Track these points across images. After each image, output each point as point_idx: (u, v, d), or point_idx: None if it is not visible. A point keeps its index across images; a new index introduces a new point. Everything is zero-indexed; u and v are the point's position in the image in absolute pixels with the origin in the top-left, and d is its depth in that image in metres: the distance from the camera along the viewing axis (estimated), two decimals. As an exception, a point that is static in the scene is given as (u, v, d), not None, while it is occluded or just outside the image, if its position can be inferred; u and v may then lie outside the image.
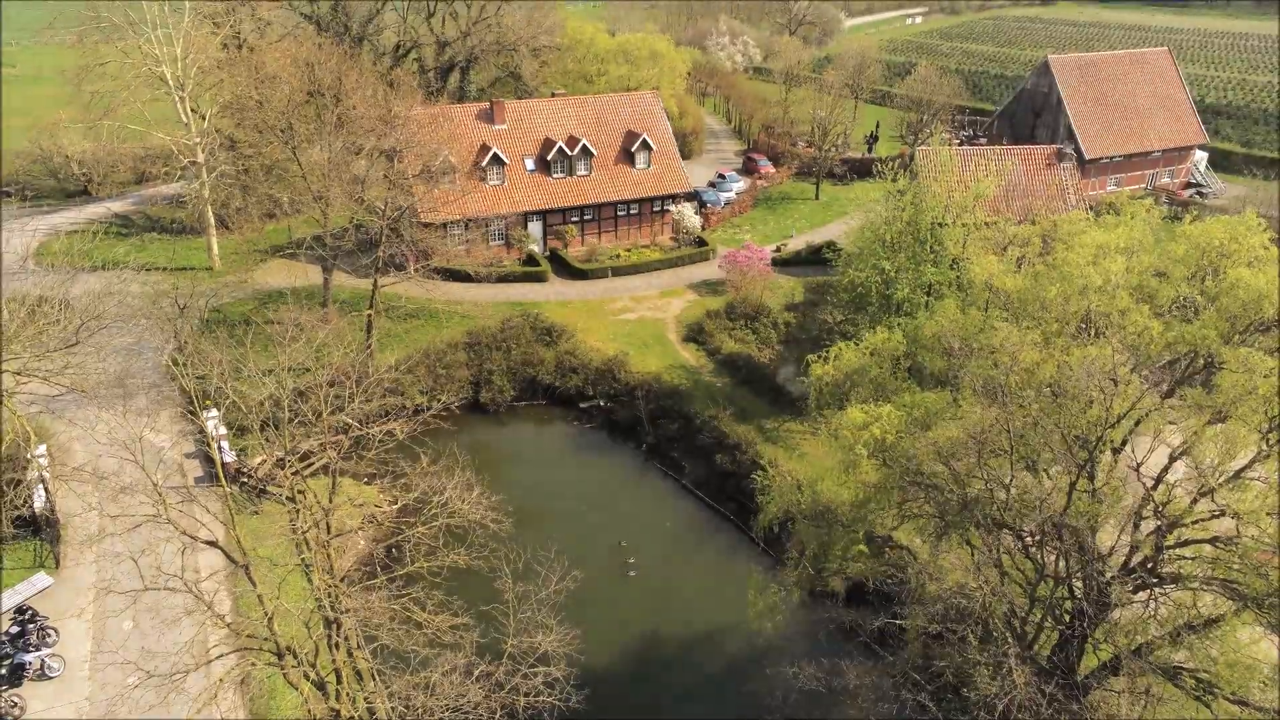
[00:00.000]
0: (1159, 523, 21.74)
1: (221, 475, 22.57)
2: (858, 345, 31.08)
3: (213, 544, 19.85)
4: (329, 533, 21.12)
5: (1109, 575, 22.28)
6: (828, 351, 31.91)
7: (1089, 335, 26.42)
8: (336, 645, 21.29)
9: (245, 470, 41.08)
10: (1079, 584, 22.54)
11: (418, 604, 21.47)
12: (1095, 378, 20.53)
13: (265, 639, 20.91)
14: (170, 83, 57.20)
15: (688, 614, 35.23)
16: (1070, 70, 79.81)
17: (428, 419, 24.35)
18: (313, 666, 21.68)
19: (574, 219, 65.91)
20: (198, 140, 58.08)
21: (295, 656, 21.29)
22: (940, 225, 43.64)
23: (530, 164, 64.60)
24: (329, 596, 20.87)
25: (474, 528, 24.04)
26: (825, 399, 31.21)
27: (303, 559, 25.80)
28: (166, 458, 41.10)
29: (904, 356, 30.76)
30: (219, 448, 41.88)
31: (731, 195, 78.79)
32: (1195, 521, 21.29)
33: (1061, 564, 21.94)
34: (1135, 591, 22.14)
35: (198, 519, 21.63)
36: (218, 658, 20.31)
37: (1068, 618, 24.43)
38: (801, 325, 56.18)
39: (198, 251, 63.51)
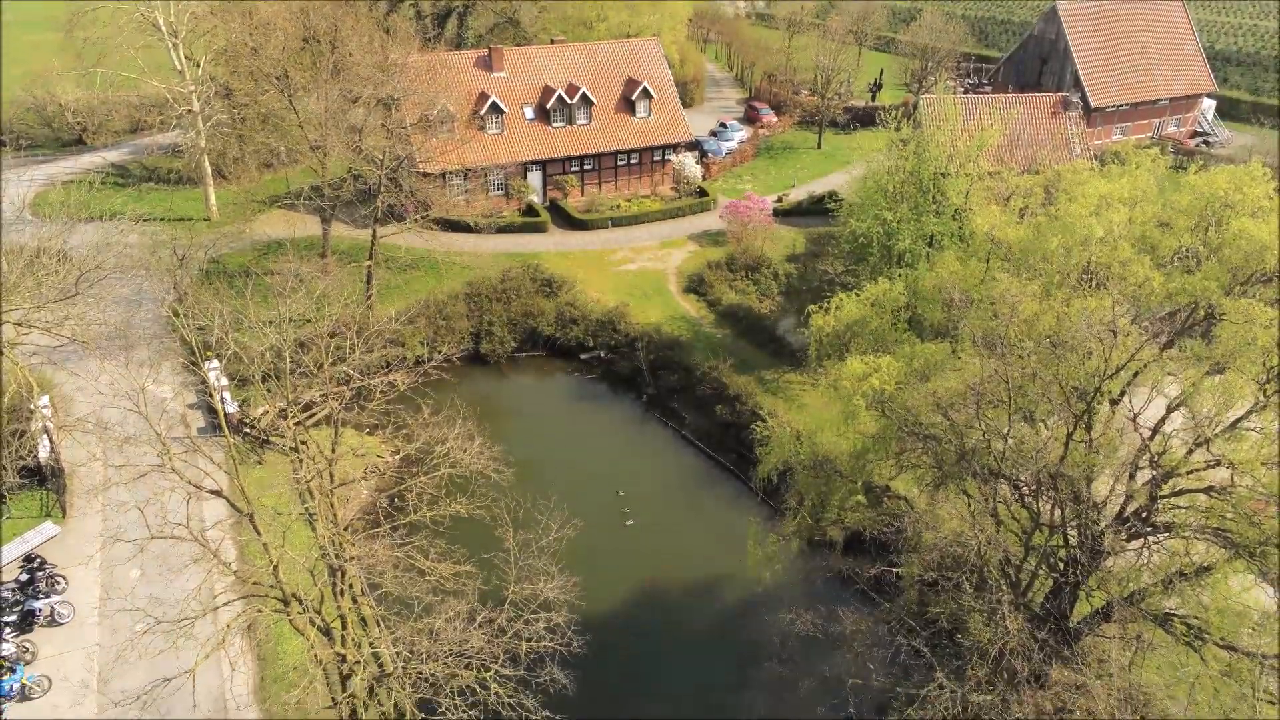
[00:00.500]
0: (1154, 472, 21.90)
1: (224, 425, 22.71)
2: (858, 296, 31.00)
3: (217, 493, 20.06)
4: (332, 482, 21.31)
5: (1104, 525, 22.51)
6: (828, 302, 31.87)
7: (1090, 286, 26.34)
8: (341, 592, 21.64)
9: (248, 421, 41.31)
10: (1073, 532, 22.79)
11: (420, 552, 21.75)
12: (1095, 329, 20.53)
13: (271, 586, 21.22)
14: (163, 29, 56.31)
15: (687, 562, 35.72)
16: (1078, 16, 78.44)
17: (428, 370, 24.39)
18: (318, 613, 22.04)
19: (574, 169, 65.35)
20: (192, 88, 57.36)
21: (300, 603, 21.63)
22: (943, 175, 43.27)
23: (529, 112, 63.86)
24: (333, 545, 21.13)
25: (475, 478, 24.27)
26: (825, 350, 31.24)
27: (306, 509, 26.04)
28: (169, 408, 41.31)
29: (904, 308, 30.69)
30: (221, 399, 42.16)
31: (733, 145, 77.99)
32: (1190, 472, 21.45)
33: (1057, 513, 22.15)
34: (1129, 540, 22.38)
35: (202, 469, 21.82)
36: (224, 605, 20.66)
37: (1062, 565, 24.76)
38: (802, 276, 56.03)
39: (195, 202, 63.07)
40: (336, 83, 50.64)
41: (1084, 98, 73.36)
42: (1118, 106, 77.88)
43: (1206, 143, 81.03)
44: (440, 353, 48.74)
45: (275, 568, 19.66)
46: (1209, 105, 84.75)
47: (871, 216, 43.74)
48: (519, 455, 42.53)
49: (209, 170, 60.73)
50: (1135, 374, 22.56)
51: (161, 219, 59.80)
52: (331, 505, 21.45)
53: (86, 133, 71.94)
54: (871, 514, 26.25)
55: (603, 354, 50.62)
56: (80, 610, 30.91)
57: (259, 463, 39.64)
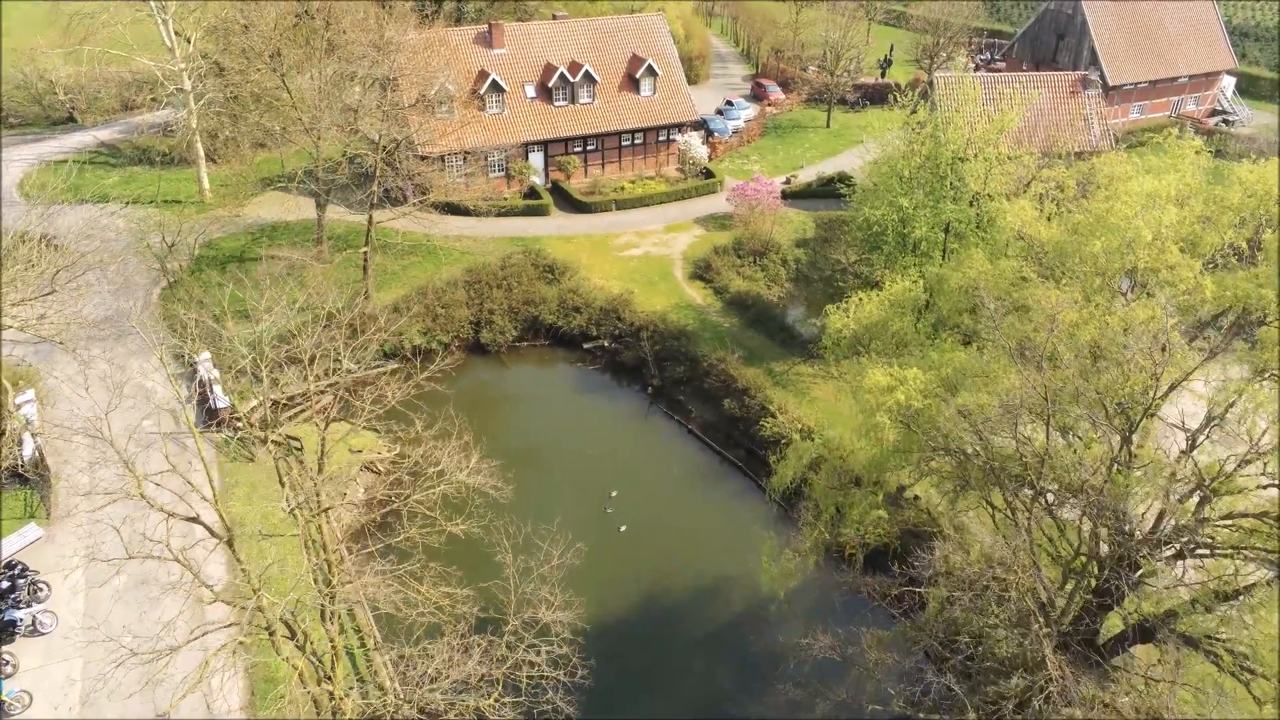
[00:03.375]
0: (1200, 490, 20.45)
1: (200, 448, 21.27)
2: (877, 296, 29.34)
3: (194, 520, 18.68)
4: (319, 507, 19.93)
5: (1144, 544, 21.11)
6: (846, 301, 30.24)
7: (1133, 290, 24.77)
8: (332, 618, 20.31)
9: (239, 416, 39.88)
10: (1107, 549, 21.38)
11: (415, 578, 20.39)
12: (1144, 345, 19.00)
13: (256, 610, 19.88)
14: (152, 3, 54.38)
15: (695, 569, 34.20)
16: (1096, -10, 76.04)
17: (420, 384, 22.90)
18: (307, 638, 20.73)
19: (576, 149, 63.47)
20: (183, 66, 55.49)
21: (289, 630, 20.31)
22: (960, 160, 41.49)
23: (531, 91, 61.90)
24: (321, 572, 19.79)
25: (473, 496, 22.87)
26: (843, 352, 29.67)
27: (293, 534, 24.64)
28: (158, 401, 39.93)
29: (926, 307, 29.07)
30: (211, 392, 40.76)
31: (739, 123, 75.92)
32: (1239, 492, 19.99)
33: (1091, 529, 20.74)
34: (1169, 562, 20.99)
35: (187, 479, 20.34)
36: (205, 634, 19.29)
37: (1093, 582, 23.41)
38: (812, 262, 54.37)
39: (188, 183, 61.33)
40: (330, 61, 48.79)
41: (1101, 75, 71.19)
42: (1135, 84, 75.68)
43: (1226, 121, 78.84)
44: (439, 343, 47.78)
45: (258, 595, 18.30)
46: (1229, 83, 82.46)
47: (886, 203, 42.01)
48: (519, 450, 41.39)
49: (201, 151, 58.97)
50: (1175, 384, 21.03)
51: (153, 201, 58.18)
52: (320, 529, 20.10)
53: (77, 111, 70.09)
54: (892, 527, 24.83)
55: (606, 344, 49.09)
56: (64, 619, 29.62)
57: (250, 459, 38.27)
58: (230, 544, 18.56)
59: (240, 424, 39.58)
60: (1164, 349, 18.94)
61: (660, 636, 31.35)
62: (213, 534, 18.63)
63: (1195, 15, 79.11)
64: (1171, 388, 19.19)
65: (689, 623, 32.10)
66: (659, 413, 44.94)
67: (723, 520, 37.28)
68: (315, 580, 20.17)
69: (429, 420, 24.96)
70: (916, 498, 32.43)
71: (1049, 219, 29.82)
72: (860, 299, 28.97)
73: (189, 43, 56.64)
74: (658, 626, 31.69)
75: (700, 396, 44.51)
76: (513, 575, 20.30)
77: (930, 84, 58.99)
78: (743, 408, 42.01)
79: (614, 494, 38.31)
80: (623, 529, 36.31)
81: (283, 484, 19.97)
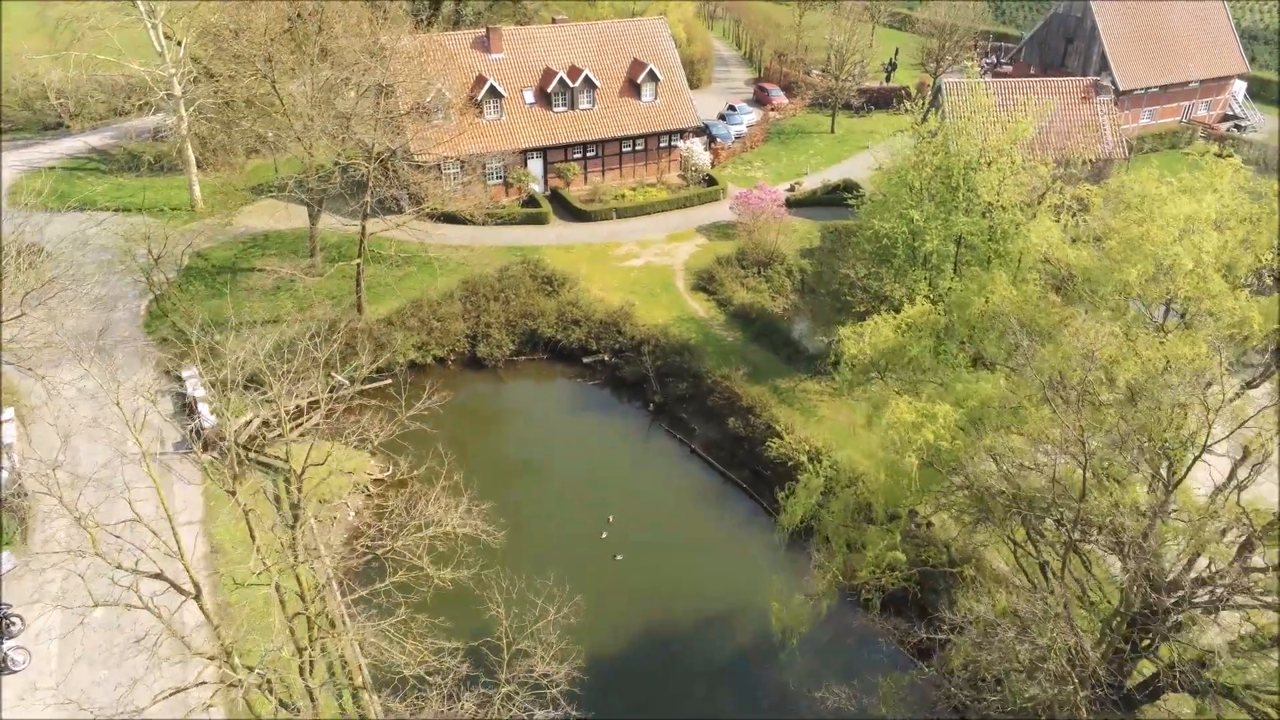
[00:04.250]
0: (1244, 535, 19.07)
1: (163, 499, 19.85)
2: (893, 319, 27.87)
3: (158, 576, 17.28)
4: (294, 560, 18.55)
5: (1179, 593, 19.73)
6: (860, 325, 28.83)
7: (1164, 316, 23.39)
8: (309, 673, 18.92)
9: (223, 437, 38.43)
10: (1142, 599, 20.00)
11: (401, 632, 18.99)
12: (1192, 390, 17.59)
13: (230, 664, 18.50)
14: (141, 8, 53.03)
15: (698, 602, 32.49)
16: (1106, -7, 74.64)
17: (404, 421, 21.48)
18: (288, 689, 19.34)
19: (576, 156, 62.06)
20: (173, 71, 54.11)
21: (267, 682, 18.92)
22: (973, 169, 40.06)
23: (530, 97, 60.51)
24: (299, 628, 18.42)
25: (462, 545, 21.45)
26: (858, 378, 28.29)
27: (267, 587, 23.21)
28: (142, 418, 38.51)
29: (945, 331, 27.65)
30: (198, 410, 39.38)
31: (742, 129, 74.52)
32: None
33: (1130, 579, 19.33)
34: (1207, 612, 19.61)
35: (151, 528, 18.91)
36: (166, 697, 17.87)
37: (1124, 626, 22.03)
38: (818, 274, 52.96)
39: (179, 190, 59.92)
40: (323, 67, 47.42)
41: (1112, 80, 69.76)
42: (1146, 89, 74.29)
43: (1238, 126, 77.48)
44: (435, 354, 46.35)
45: (229, 655, 16.92)
46: (1240, 87, 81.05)
47: (896, 215, 40.58)
48: (514, 471, 39.99)
49: (193, 158, 57.58)
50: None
51: (143, 209, 56.78)
52: (298, 579, 18.71)
53: (69, 116, 68.64)
54: (913, 572, 23.43)
55: (606, 358, 47.65)
56: (38, 657, 28.18)
57: (235, 478, 36.66)
58: (198, 598, 17.19)
59: (225, 444, 38.20)
60: (1208, 384, 17.53)
61: (659, 675, 29.78)
62: (179, 590, 17.26)
63: (1206, 18, 77.71)
64: (1225, 438, 17.81)
65: (691, 660, 30.49)
66: (661, 431, 43.52)
67: (727, 547, 35.85)
68: (291, 635, 18.78)
69: (417, 456, 23.52)
70: (930, 524, 31.08)
71: (1074, 240, 28.37)
72: (876, 323, 27.60)
73: (179, 46, 55.27)
74: (657, 664, 30.08)
75: (703, 414, 43.10)
76: (505, 632, 18.89)
77: (937, 90, 57.61)
78: (748, 427, 40.64)
79: (611, 519, 36.83)
80: (618, 558, 34.81)
81: (253, 537, 18.57)
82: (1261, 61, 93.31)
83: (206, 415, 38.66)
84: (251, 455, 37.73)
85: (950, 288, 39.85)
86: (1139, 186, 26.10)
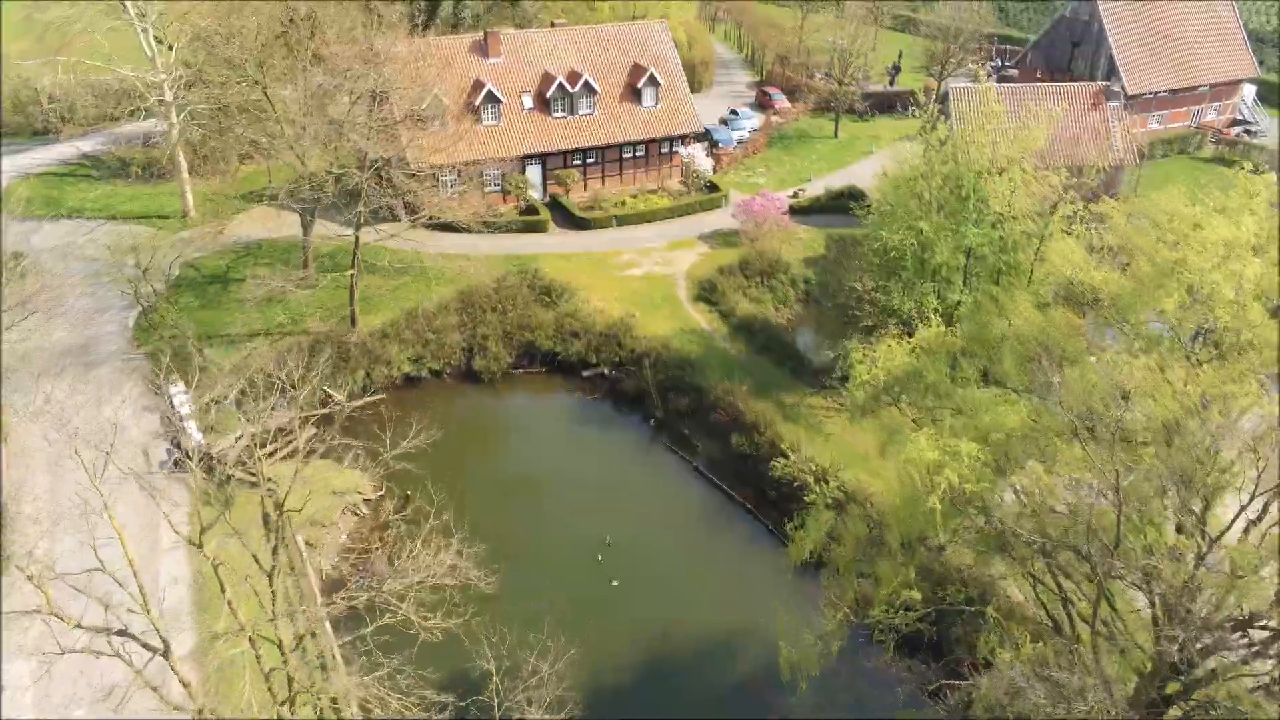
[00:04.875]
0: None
1: (127, 549, 18.67)
2: (907, 343, 26.71)
3: (124, 633, 16.12)
4: (273, 613, 17.39)
5: (1213, 637, 18.57)
6: (872, 347, 27.70)
7: (1194, 342, 22.25)
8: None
9: (213, 455, 37.33)
10: (1178, 647, 18.82)
11: (387, 685, 17.84)
12: (1231, 430, 16.46)
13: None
14: (131, 12, 51.85)
15: (700, 631, 31.30)
16: (1114, -5, 73.42)
17: (389, 462, 20.35)
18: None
19: (576, 163, 60.87)
20: (164, 76, 52.93)
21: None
22: (983, 179, 38.86)
23: (528, 102, 59.32)
24: (284, 682, 17.26)
25: (451, 593, 20.27)
26: (869, 404, 27.16)
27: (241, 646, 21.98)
28: (129, 437, 37.41)
29: (962, 353, 26.47)
30: (186, 429, 38.20)
31: (744, 134, 73.31)
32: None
33: (1163, 625, 18.17)
34: (1245, 662, 18.45)
35: (115, 577, 17.65)
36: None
37: (1157, 680, 20.87)
38: (823, 284, 51.77)
39: (171, 198, 58.72)
40: (316, 73, 46.25)
41: (1120, 85, 68.55)
42: (1155, 93, 73.06)
43: (1248, 131, 76.26)
44: (430, 367, 45.23)
45: (200, 713, 15.76)
46: (1250, 91, 79.82)
47: (905, 226, 39.42)
48: (511, 486, 38.80)
49: (184, 165, 56.40)
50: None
51: (134, 217, 55.60)
52: (276, 630, 17.55)
53: (60, 121, 67.41)
54: (929, 611, 22.25)
55: (606, 371, 46.45)
56: (9, 694, 26.96)
57: (224, 493, 35.49)
58: (166, 653, 16.04)
59: (216, 464, 37.07)
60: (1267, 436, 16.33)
61: (660, 709, 28.53)
62: (147, 647, 16.11)
63: (1216, 21, 76.48)
64: (1273, 488, 16.63)
65: (692, 692, 29.26)
66: (662, 447, 42.31)
67: (731, 572, 34.63)
68: (270, 691, 17.61)
69: (406, 489, 22.31)
70: (943, 548, 29.93)
71: (1091, 251, 27.24)
72: (889, 346, 26.44)
73: (170, 50, 54.10)
74: (657, 700, 28.78)
75: (706, 430, 41.90)
76: (496, 687, 17.74)
77: (943, 95, 56.46)
78: (752, 444, 39.47)
79: (609, 541, 35.63)
80: (615, 583, 33.61)
81: (223, 589, 17.36)
82: (1269, 65, 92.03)
83: (194, 433, 37.51)
84: (239, 477, 36.48)
85: (960, 301, 38.73)
86: (1168, 204, 24.94)
